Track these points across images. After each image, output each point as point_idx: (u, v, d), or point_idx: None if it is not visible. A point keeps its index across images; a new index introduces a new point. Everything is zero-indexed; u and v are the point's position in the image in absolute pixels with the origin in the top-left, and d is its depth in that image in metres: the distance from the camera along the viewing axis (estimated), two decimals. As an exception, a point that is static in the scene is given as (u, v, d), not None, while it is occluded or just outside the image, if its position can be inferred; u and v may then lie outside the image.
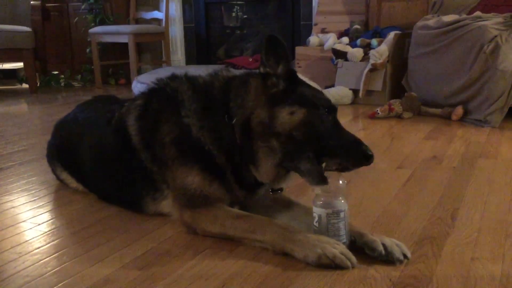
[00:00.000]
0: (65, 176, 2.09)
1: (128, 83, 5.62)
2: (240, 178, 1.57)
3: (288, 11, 5.52)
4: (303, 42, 4.94)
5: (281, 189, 1.65)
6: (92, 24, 5.81)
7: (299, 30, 5.43)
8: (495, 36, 3.20)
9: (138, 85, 4.43)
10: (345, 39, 4.40)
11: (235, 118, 1.53)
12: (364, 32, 4.44)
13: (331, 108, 1.51)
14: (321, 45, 4.52)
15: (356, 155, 1.44)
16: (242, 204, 1.65)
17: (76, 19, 6.07)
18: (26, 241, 1.59)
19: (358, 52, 4.12)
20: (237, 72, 1.71)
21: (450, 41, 3.45)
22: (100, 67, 5.71)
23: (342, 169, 1.46)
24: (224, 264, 1.38)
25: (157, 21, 5.84)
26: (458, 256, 1.40)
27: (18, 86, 5.97)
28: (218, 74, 1.67)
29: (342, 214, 1.40)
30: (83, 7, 5.90)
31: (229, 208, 1.57)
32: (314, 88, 1.58)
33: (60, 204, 1.96)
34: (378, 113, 3.45)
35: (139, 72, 5.75)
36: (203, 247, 1.49)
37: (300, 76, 1.60)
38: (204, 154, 1.56)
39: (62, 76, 6.11)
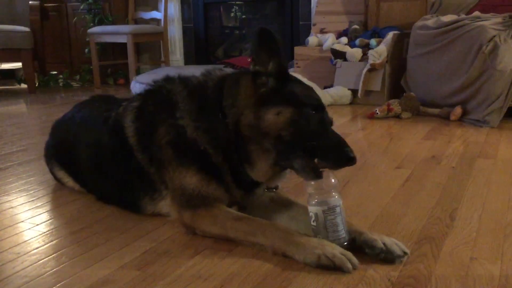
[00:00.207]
0: (61, 175, 2.09)
1: (127, 83, 5.61)
2: (237, 177, 1.57)
3: (287, 11, 5.52)
4: (302, 42, 4.94)
5: (277, 187, 1.66)
6: (91, 24, 5.81)
7: (298, 30, 5.43)
8: (494, 36, 3.20)
9: (137, 85, 4.43)
10: (344, 39, 4.40)
11: (228, 118, 1.53)
12: (363, 32, 4.44)
13: (319, 107, 1.49)
14: (320, 45, 4.52)
15: (338, 156, 1.42)
16: (240, 204, 1.65)
17: (74, 19, 6.07)
18: (25, 241, 1.59)
19: (357, 52, 4.12)
20: (229, 71, 1.70)
21: (449, 41, 3.46)
22: (98, 67, 5.71)
23: (331, 167, 1.45)
24: (223, 264, 1.38)
25: (156, 21, 5.84)
26: (457, 256, 1.40)
27: (16, 86, 5.97)
28: (211, 73, 1.67)
29: (338, 209, 1.40)
30: (81, 7, 5.90)
31: (229, 209, 1.57)
32: (304, 86, 1.56)
33: (59, 204, 1.96)
34: (377, 113, 3.45)
35: (138, 72, 5.75)
36: (202, 247, 1.49)
37: (298, 75, 1.59)
38: (200, 155, 1.56)
39: (61, 76, 6.10)
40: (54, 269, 1.38)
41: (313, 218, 1.41)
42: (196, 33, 6.11)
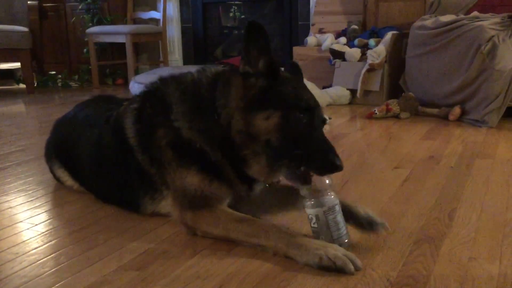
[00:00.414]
0: (61, 173, 2.09)
1: (126, 83, 5.61)
2: (240, 172, 1.57)
3: (286, 11, 5.52)
4: (301, 42, 4.94)
5: (278, 180, 1.67)
6: (90, 24, 5.80)
7: (297, 30, 5.43)
8: (492, 36, 3.21)
9: (136, 85, 4.43)
10: (343, 39, 4.40)
11: (221, 119, 1.52)
12: (362, 32, 4.45)
13: (308, 109, 1.47)
14: (319, 45, 4.52)
15: (322, 163, 1.41)
16: (245, 199, 1.66)
17: (73, 19, 6.06)
18: (23, 241, 1.59)
19: (355, 52, 4.12)
20: (223, 68, 1.69)
21: (447, 41, 3.46)
22: (97, 67, 5.70)
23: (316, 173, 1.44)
24: (222, 264, 1.38)
25: (155, 21, 5.84)
26: (455, 256, 1.40)
27: (15, 86, 5.96)
28: (206, 70, 1.66)
29: (337, 208, 1.41)
30: (80, 7, 5.89)
31: (231, 210, 1.57)
32: (294, 84, 1.53)
33: (58, 205, 1.96)
34: (376, 113, 3.46)
35: (137, 72, 5.74)
36: (201, 247, 1.49)
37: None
38: (198, 154, 1.56)
39: (59, 76, 6.09)
40: (53, 269, 1.38)
41: (313, 220, 1.41)
42: (195, 33, 6.11)
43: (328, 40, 4.40)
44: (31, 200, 1.98)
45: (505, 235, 1.53)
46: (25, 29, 5.26)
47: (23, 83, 5.54)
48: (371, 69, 3.95)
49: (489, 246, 1.46)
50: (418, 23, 3.78)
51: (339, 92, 4.07)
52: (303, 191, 1.42)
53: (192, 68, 1.74)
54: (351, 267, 1.29)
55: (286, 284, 1.26)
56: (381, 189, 2.02)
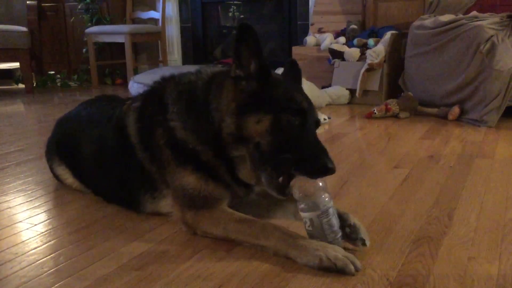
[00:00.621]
0: (61, 171, 2.09)
1: (125, 83, 5.61)
2: (234, 174, 1.57)
3: (285, 11, 5.52)
4: (300, 42, 4.94)
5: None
6: (89, 24, 5.80)
7: (296, 30, 5.43)
8: (492, 36, 3.21)
9: (135, 85, 4.43)
10: (342, 39, 4.40)
11: (214, 121, 1.53)
12: (361, 32, 4.45)
13: (300, 112, 1.45)
14: (318, 45, 4.52)
15: (314, 166, 1.38)
16: (244, 200, 1.66)
17: (72, 19, 6.06)
18: (23, 241, 1.59)
19: (354, 52, 4.13)
20: (219, 69, 1.69)
21: (446, 41, 3.46)
22: (96, 67, 5.71)
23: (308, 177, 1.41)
24: (221, 264, 1.38)
25: (154, 21, 5.83)
26: (455, 255, 1.40)
27: (14, 86, 5.96)
28: (201, 72, 1.66)
29: (330, 211, 1.39)
30: (79, 7, 5.89)
31: (231, 210, 1.57)
32: (286, 86, 1.52)
33: (57, 205, 1.96)
34: (375, 113, 3.46)
35: (136, 72, 5.74)
36: (201, 247, 1.49)
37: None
38: (192, 154, 1.57)
39: (59, 76, 6.09)
40: (52, 270, 1.38)
41: (308, 224, 1.40)
42: (194, 33, 6.11)
43: (327, 40, 4.41)
44: (30, 200, 1.98)
45: (505, 235, 1.53)
46: (24, 29, 5.25)
47: (22, 83, 5.54)
48: (370, 68, 3.95)
49: (488, 246, 1.46)
50: (417, 22, 3.79)
51: (338, 91, 4.07)
52: (296, 194, 1.41)
53: (192, 68, 1.75)
54: (352, 267, 1.29)
55: (285, 284, 1.26)
56: (380, 188, 2.02)
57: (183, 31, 6.13)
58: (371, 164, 2.43)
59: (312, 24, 4.91)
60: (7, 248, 1.53)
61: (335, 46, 4.24)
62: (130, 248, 1.50)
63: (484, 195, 1.90)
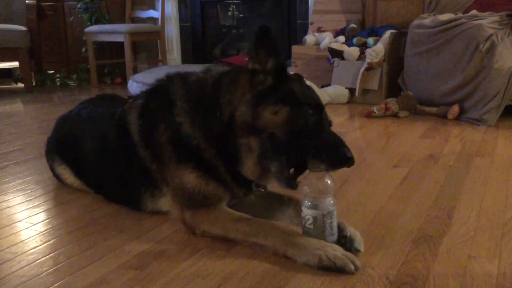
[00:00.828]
0: (61, 170, 2.09)
1: (124, 82, 5.60)
2: (235, 174, 1.57)
3: (284, 10, 5.52)
4: (300, 41, 4.94)
5: (265, 187, 1.66)
6: (88, 23, 5.79)
7: (295, 29, 5.42)
8: (491, 35, 3.21)
9: (134, 84, 4.43)
10: (341, 38, 4.40)
11: (224, 115, 1.53)
12: (360, 31, 4.45)
13: (317, 107, 1.47)
14: (317, 44, 4.52)
15: (334, 156, 1.39)
16: (242, 201, 1.66)
17: (71, 18, 6.05)
18: (22, 241, 1.59)
19: (354, 51, 4.12)
20: (229, 68, 1.70)
21: (446, 40, 3.46)
22: (96, 66, 5.70)
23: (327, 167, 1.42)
24: (220, 264, 1.38)
25: (153, 20, 5.83)
26: (454, 254, 1.40)
27: (13, 85, 5.95)
28: (211, 70, 1.67)
29: (334, 213, 1.40)
30: (78, 6, 5.88)
31: (230, 210, 1.57)
32: (303, 85, 1.55)
33: (56, 204, 1.96)
34: (375, 112, 3.46)
35: (135, 71, 5.74)
36: (200, 246, 1.49)
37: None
38: (195, 151, 1.56)
39: (58, 75, 6.08)
40: (52, 269, 1.38)
41: (310, 221, 1.39)
42: (193, 32, 6.10)
43: (327, 39, 4.40)
44: (30, 200, 1.98)
45: (504, 234, 1.53)
46: (23, 28, 5.25)
47: (21, 82, 5.53)
48: (370, 68, 3.95)
49: (488, 245, 1.46)
50: (416, 21, 3.78)
51: (337, 91, 4.07)
52: (305, 188, 1.41)
53: (192, 68, 1.75)
54: (352, 267, 1.29)
55: (285, 283, 1.26)
56: (380, 188, 2.02)
57: (183, 30, 6.12)
58: (371, 163, 2.43)
59: (311, 23, 4.91)
60: (6, 248, 1.53)
61: (335, 45, 4.23)
62: (130, 247, 1.50)
63: (484, 194, 1.90)
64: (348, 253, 1.33)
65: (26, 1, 5.57)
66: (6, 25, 5.21)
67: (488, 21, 3.29)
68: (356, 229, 1.46)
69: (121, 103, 1.93)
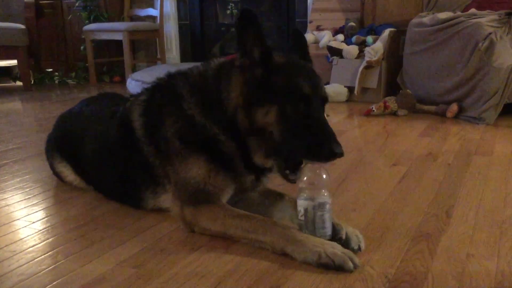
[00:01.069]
0: (62, 168, 2.08)
1: (123, 80, 5.60)
2: (249, 161, 1.58)
3: (283, 9, 5.52)
4: (298, 39, 4.93)
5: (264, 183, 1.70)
6: (86, 21, 5.78)
7: (294, 28, 5.42)
8: (490, 33, 3.21)
9: (133, 83, 4.41)
10: (340, 37, 4.39)
11: (227, 111, 1.54)
12: (359, 29, 4.44)
13: (304, 97, 1.46)
14: (316, 42, 4.51)
15: (321, 151, 1.39)
16: (246, 192, 1.67)
17: (70, 16, 6.04)
18: (21, 239, 1.58)
19: (353, 49, 4.12)
20: (225, 59, 1.69)
21: (445, 38, 3.46)
22: (94, 65, 5.69)
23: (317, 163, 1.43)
24: (219, 262, 1.38)
25: (152, 18, 5.82)
26: (453, 252, 1.40)
27: (11, 84, 5.94)
28: (210, 63, 1.69)
29: (327, 206, 1.40)
30: (77, 4, 5.87)
31: (230, 207, 1.57)
32: (289, 72, 1.50)
33: (55, 202, 1.95)
34: (373, 111, 3.46)
35: (134, 69, 5.73)
36: (199, 244, 1.49)
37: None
38: (210, 143, 1.57)
39: (56, 73, 6.08)
40: (50, 267, 1.38)
41: (301, 213, 1.41)
42: (192, 30, 6.09)
43: (326, 38, 4.40)
44: (28, 198, 1.98)
45: (503, 232, 1.53)
46: (22, 26, 5.24)
47: (20, 81, 5.52)
48: (369, 66, 3.95)
49: (486, 243, 1.46)
50: (415, 20, 3.78)
51: (336, 89, 4.07)
52: (301, 182, 1.42)
53: (190, 66, 1.75)
54: (350, 264, 1.29)
55: (284, 281, 1.26)
56: (379, 186, 2.02)
57: (181, 28, 6.12)
58: (370, 161, 2.43)
59: (310, 22, 4.91)
60: (5, 246, 1.53)
61: (334, 44, 4.23)
62: (128, 246, 1.50)
63: (483, 192, 1.90)
64: (347, 251, 1.33)
65: (25, -1, 5.56)
66: (5, 23, 5.20)
67: (487, 20, 3.29)
68: (356, 228, 1.46)
69: (122, 101, 1.93)
